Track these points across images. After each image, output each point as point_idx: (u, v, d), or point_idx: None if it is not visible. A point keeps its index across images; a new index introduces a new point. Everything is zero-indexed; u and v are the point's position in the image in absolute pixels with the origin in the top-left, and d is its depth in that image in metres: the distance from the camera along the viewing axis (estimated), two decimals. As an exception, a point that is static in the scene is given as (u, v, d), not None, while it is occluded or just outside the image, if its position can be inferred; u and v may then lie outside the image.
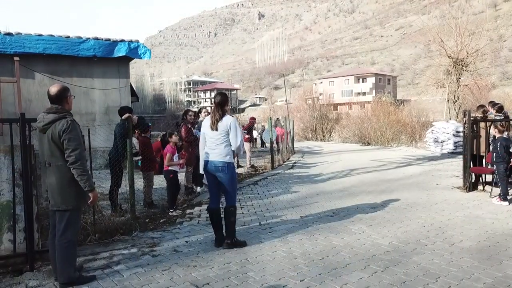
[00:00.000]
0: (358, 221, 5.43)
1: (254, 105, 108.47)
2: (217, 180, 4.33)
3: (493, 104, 8.16)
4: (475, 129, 7.71)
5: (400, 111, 26.90)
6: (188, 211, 5.98)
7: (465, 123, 7.44)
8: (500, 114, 7.51)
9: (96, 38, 11.26)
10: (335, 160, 13.44)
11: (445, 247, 4.31)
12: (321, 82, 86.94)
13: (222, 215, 4.47)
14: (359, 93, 78.85)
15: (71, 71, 11.21)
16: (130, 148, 5.66)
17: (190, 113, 7.02)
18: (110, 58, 11.47)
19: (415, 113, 33.86)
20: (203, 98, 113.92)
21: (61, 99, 3.38)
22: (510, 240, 4.50)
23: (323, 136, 35.31)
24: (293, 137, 16.91)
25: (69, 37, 11.04)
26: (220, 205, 4.52)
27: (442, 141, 14.67)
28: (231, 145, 4.31)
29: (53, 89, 3.38)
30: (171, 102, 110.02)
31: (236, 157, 11.91)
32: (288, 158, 13.95)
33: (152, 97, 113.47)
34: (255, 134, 17.90)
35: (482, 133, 7.74)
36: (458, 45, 18.85)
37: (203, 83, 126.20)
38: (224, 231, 4.43)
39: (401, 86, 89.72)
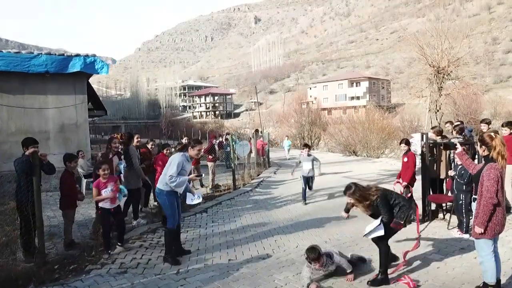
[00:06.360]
0: (289, 266, 4.87)
1: (250, 109, 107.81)
2: None
3: (454, 125, 7.59)
4: (435, 152, 7.20)
5: (385, 119, 26.33)
6: (105, 256, 5.36)
7: (422, 147, 6.92)
8: (460, 136, 6.97)
9: (49, 53, 10.72)
10: (307, 177, 12.82)
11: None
12: (315, 87, 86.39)
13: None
14: (353, 98, 78.39)
15: (22, 88, 10.65)
16: (38, 187, 5.10)
17: (114, 141, 6.35)
18: (65, 74, 10.90)
19: (408, 118, 33.22)
20: (198, 103, 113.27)
21: None
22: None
23: (311, 144, 34.72)
24: (268, 150, 16.30)
25: (19, 52, 10.50)
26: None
27: (420, 154, 14.05)
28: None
29: None
30: (166, 107, 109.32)
31: (200, 176, 11.34)
32: (258, 175, 13.33)
33: (147, 103, 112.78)
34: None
35: (443, 156, 7.22)
36: (439, 53, 18.36)
37: (198, 87, 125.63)
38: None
39: (396, 90, 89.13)
